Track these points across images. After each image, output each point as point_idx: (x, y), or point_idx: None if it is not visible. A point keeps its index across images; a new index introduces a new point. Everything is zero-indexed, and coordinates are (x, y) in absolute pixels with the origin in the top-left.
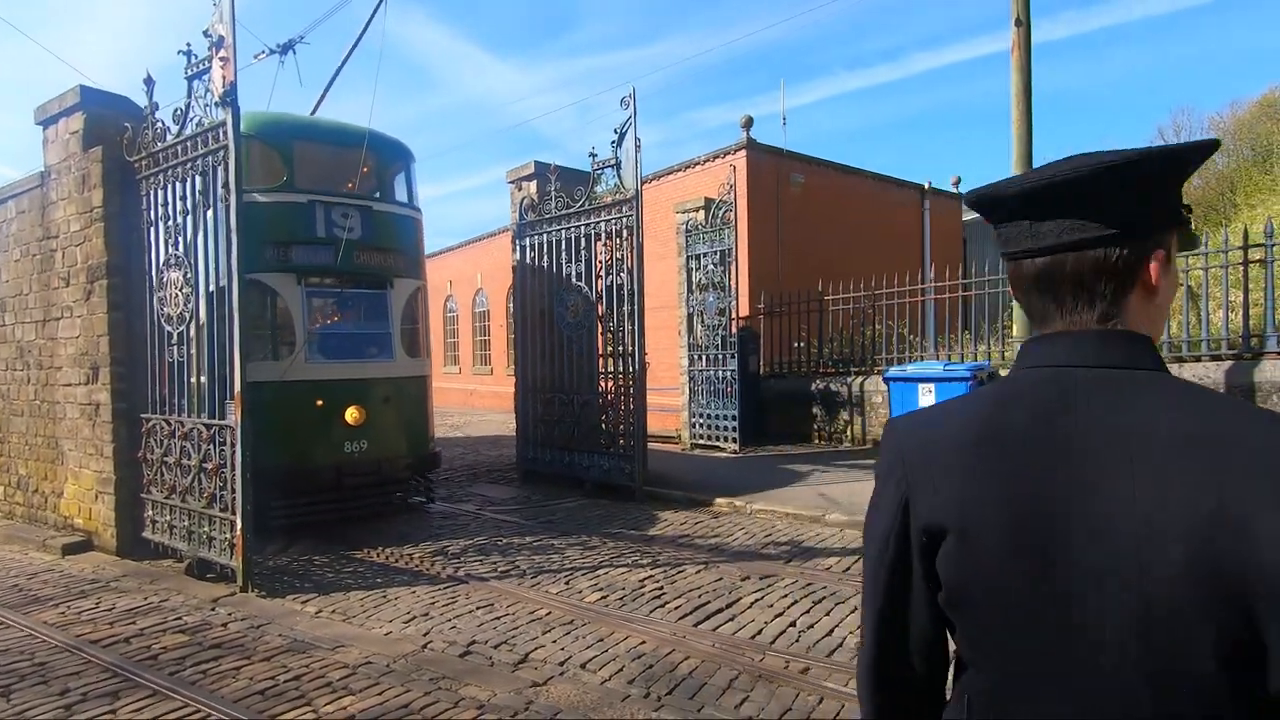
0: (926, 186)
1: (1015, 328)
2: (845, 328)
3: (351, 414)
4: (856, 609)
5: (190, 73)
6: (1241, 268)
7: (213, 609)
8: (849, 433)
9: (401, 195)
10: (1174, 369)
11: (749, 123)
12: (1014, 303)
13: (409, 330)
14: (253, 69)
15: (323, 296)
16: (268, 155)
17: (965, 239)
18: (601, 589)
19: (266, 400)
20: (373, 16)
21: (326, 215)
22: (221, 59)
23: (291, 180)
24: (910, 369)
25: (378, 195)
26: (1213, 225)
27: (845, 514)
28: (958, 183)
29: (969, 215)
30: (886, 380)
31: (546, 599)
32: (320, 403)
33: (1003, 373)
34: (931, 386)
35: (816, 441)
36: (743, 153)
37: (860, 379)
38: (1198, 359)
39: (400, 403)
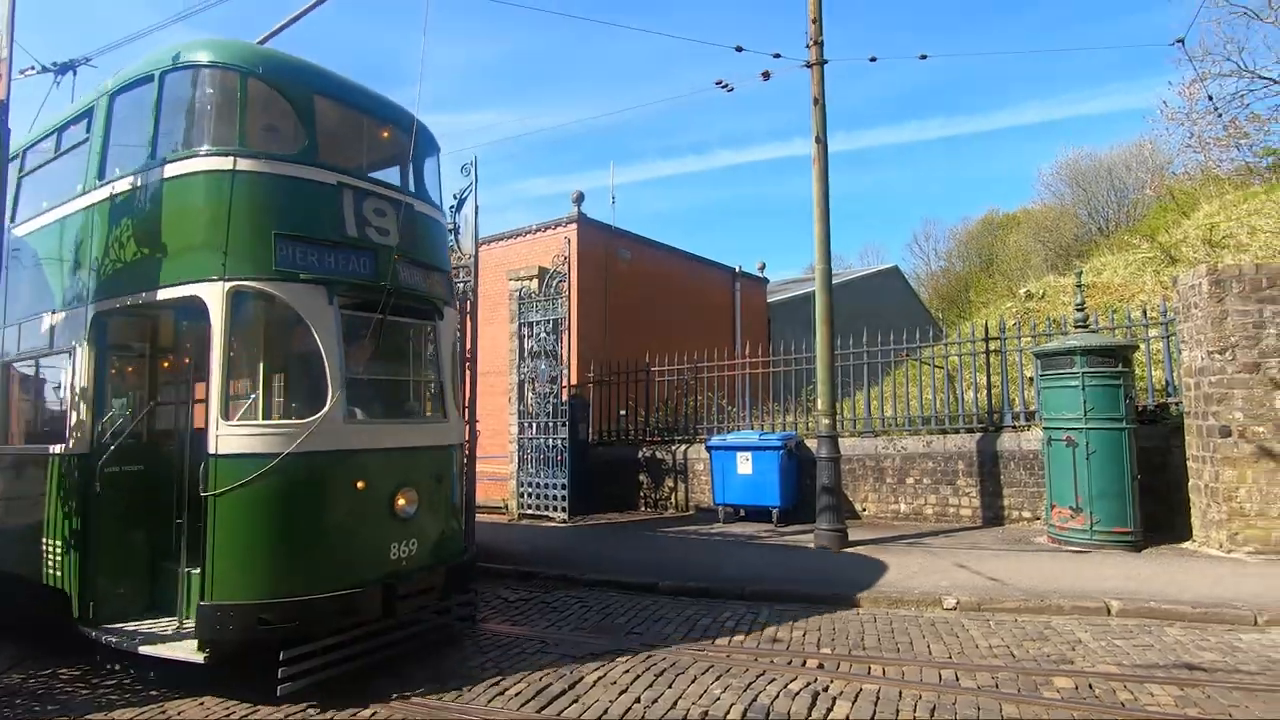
0: (737, 270)
1: (820, 400)
2: (670, 398)
3: (402, 501)
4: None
5: None
6: (984, 356)
7: None
8: (673, 499)
9: (435, 196)
10: (937, 439)
11: (580, 198)
12: (813, 381)
13: (456, 378)
14: (23, 87)
15: (360, 325)
16: (276, 107)
17: (770, 318)
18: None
19: (273, 484)
20: None
21: (357, 208)
22: None
23: (313, 148)
24: (730, 438)
25: (413, 191)
26: (956, 319)
27: (675, 580)
28: (762, 267)
29: (774, 297)
30: (709, 448)
31: None
32: (361, 485)
33: (809, 442)
34: (749, 455)
35: (642, 509)
36: (574, 226)
37: (684, 447)
38: (957, 431)
39: (451, 482)
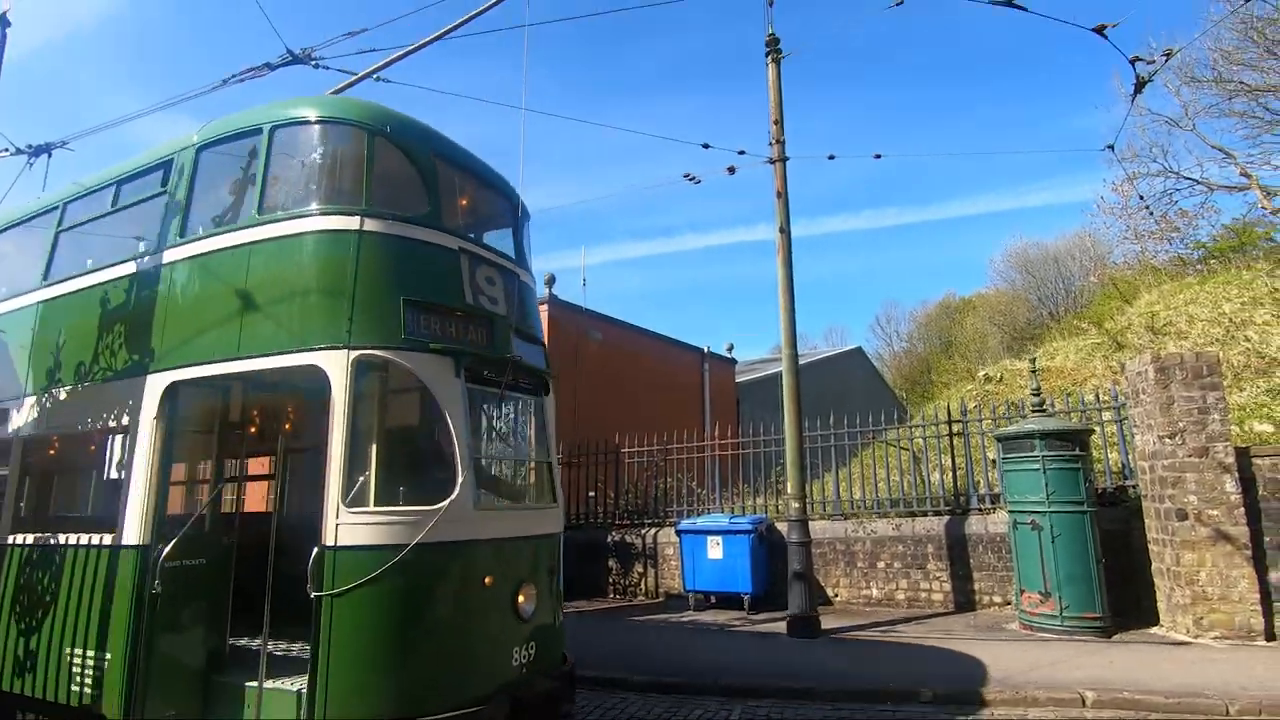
0: (706, 350)
1: (789, 484)
2: (639, 479)
3: (523, 597)
4: None
5: None
6: (948, 439)
7: None
8: (643, 585)
9: (530, 267)
10: (906, 523)
11: (551, 280)
12: (782, 461)
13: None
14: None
15: (484, 400)
16: (401, 168)
17: (739, 398)
18: None
19: (400, 581)
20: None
21: (473, 275)
22: None
23: (436, 212)
24: (700, 522)
25: (515, 259)
26: (920, 400)
27: (646, 674)
28: (730, 348)
29: (742, 377)
30: (678, 532)
31: None
32: (489, 580)
33: (780, 525)
34: (719, 539)
35: (611, 595)
36: (545, 307)
37: (654, 530)
38: (925, 514)
39: (559, 575)
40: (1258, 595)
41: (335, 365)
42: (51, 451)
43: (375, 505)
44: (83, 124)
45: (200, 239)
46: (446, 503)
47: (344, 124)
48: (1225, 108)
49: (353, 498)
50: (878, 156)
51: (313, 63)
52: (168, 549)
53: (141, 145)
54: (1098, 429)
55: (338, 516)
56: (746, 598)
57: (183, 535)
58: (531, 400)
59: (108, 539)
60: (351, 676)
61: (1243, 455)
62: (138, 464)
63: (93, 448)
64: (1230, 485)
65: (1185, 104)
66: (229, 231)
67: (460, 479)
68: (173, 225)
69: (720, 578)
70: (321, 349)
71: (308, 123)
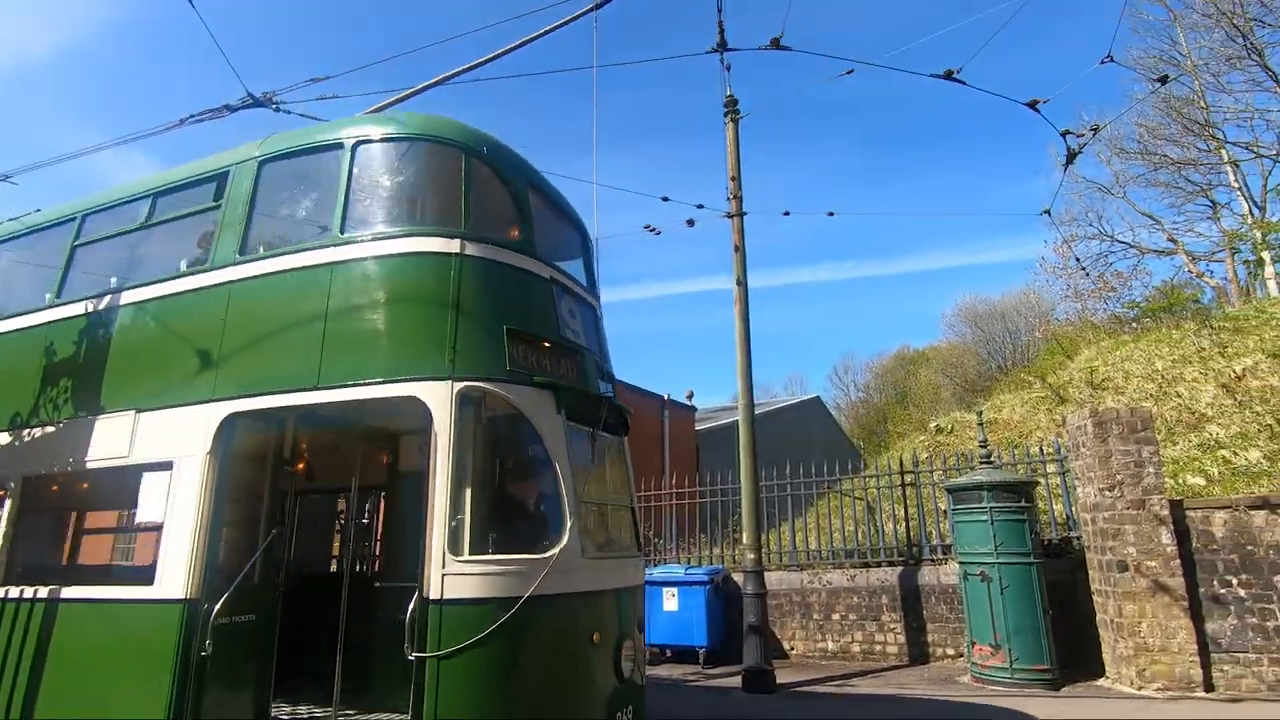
0: (666, 398)
1: (745, 535)
2: None
3: (625, 654)
4: None
5: None
6: (900, 489)
7: None
8: None
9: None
10: (861, 574)
11: None
12: (739, 510)
13: None
14: None
15: (580, 440)
16: (495, 192)
17: (698, 445)
18: None
19: (511, 639)
20: None
21: (559, 306)
22: None
23: (530, 240)
24: (656, 573)
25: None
26: (876, 449)
27: None
28: (690, 396)
29: (702, 424)
30: None
31: None
32: (597, 638)
33: (735, 576)
34: (675, 590)
35: None
36: None
37: None
38: (879, 564)
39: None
40: (1195, 647)
41: (437, 398)
42: (60, 490)
43: (472, 553)
44: (28, 158)
45: (266, 257)
46: (557, 550)
47: (441, 143)
48: (1152, 178)
49: (456, 544)
50: (830, 214)
51: (273, 106)
52: (219, 604)
53: (91, 181)
54: (1042, 481)
55: (444, 566)
56: (702, 651)
57: (239, 588)
58: (614, 440)
59: (140, 592)
60: None
61: (1177, 508)
62: (183, 505)
63: (120, 487)
64: (1166, 537)
65: (1116, 173)
66: (305, 250)
67: (568, 524)
68: (228, 241)
69: (676, 631)
70: (422, 379)
71: (400, 140)
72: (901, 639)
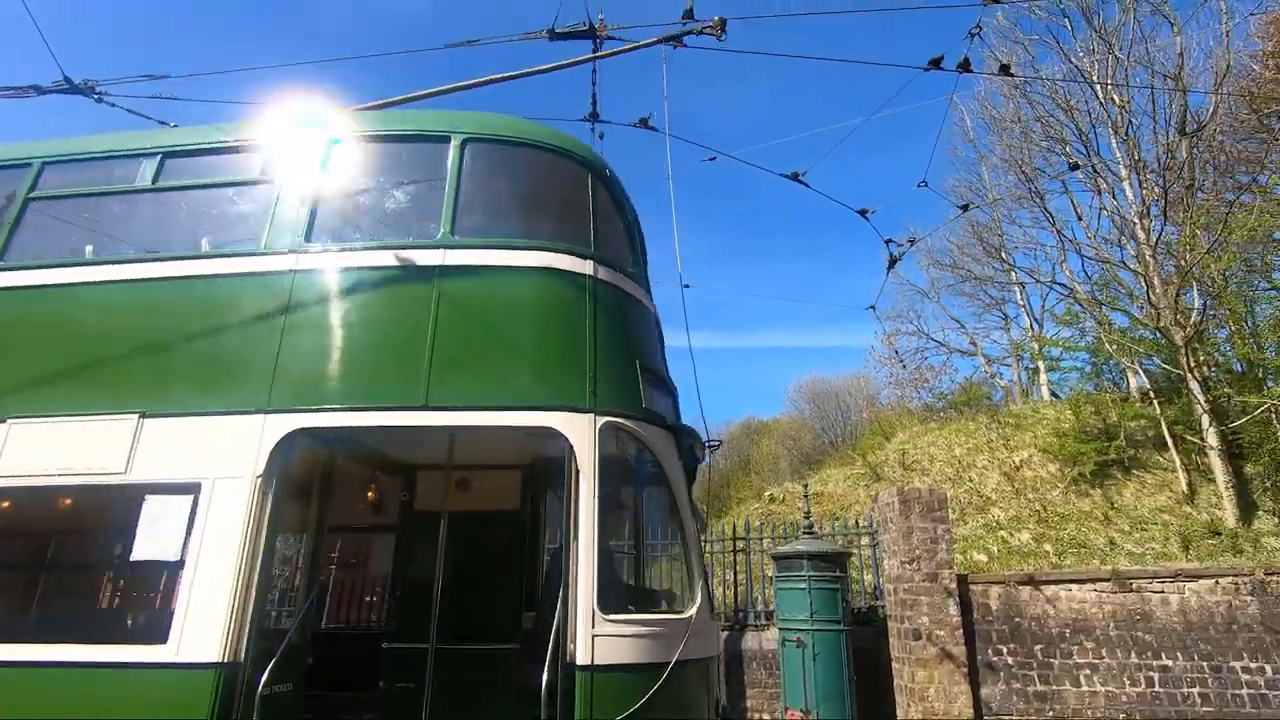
0: None
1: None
2: None
3: None
4: None
5: None
6: (732, 555)
7: None
8: None
9: None
10: None
11: None
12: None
13: None
14: None
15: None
16: (614, 218)
17: None
18: None
19: (659, 712)
20: None
21: (661, 343)
22: None
23: (643, 270)
24: None
25: None
26: (719, 514)
27: None
28: None
29: None
30: None
31: None
32: (719, 706)
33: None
34: None
35: None
36: None
37: None
38: None
39: None
40: (972, 711)
41: (580, 432)
42: (24, 515)
43: (616, 612)
44: None
45: (347, 250)
46: (694, 610)
47: (570, 157)
48: (959, 288)
49: (607, 602)
50: (687, 286)
51: (95, 95)
52: (267, 672)
53: None
54: (856, 552)
55: (593, 626)
56: None
57: (287, 650)
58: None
59: (147, 654)
60: None
61: (963, 582)
62: (218, 541)
63: (103, 514)
64: (953, 609)
65: (932, 280)
66: (401, 248)
67: (698, 581)
68: (285, 224)
69: None
70: (561, 409)
71: (521, 145)
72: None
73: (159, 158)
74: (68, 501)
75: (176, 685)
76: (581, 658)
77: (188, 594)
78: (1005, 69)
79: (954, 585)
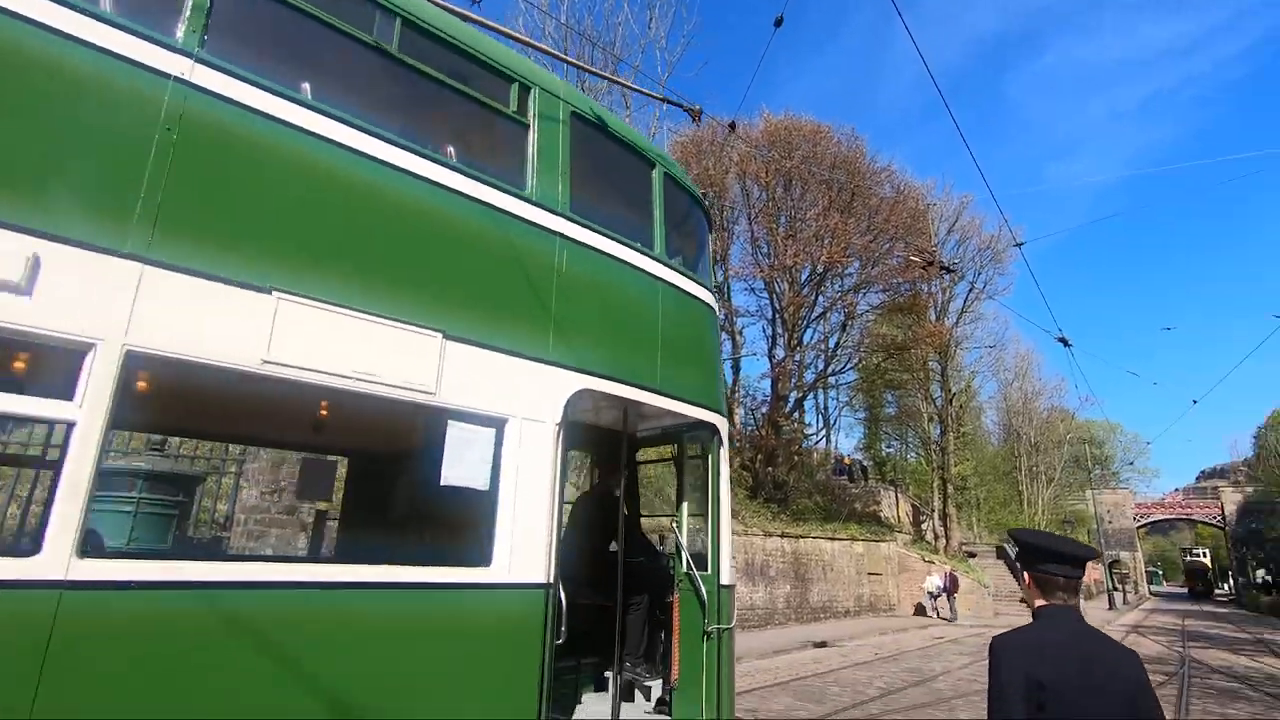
0: None
1: None
2: None
3: None
4: None
5: None
6: None
7: None
8: None
9: None
10: None
11: None
12: None
13: None
14: None
15: None
16: (697, 217)
17: None
18: None
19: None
20: None
21: None
22: None
23: (708, 267)
24: None
25: None
26: None
27: None
28: None
29: None
30: None
31: None
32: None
33: None
34: None
35: None
36: None
37: None
38: None
39: None
40: None
41: (723, 429)
42: (316, 416)
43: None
44: None
45: (598, 234)
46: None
47: (705, 204)
48: None
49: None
50: None
51: None
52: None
53: None
54: None
55: (727, 560)
56: None
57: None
58: None
59: (485, 575)
60: (730, 696)
61: None
62: (531, 478)
63: (403, 429)
64: None
65: None
66: (637, 250)
67: (726, 538)
68: (550, 181)
69: None
70: (715, 411)
71: (687, 188)
72: None
73: (397, 20)
74: (356, 410)
75: (514, 601)
76: (725, 579)
77: (510, 523)
78: None
79: None
